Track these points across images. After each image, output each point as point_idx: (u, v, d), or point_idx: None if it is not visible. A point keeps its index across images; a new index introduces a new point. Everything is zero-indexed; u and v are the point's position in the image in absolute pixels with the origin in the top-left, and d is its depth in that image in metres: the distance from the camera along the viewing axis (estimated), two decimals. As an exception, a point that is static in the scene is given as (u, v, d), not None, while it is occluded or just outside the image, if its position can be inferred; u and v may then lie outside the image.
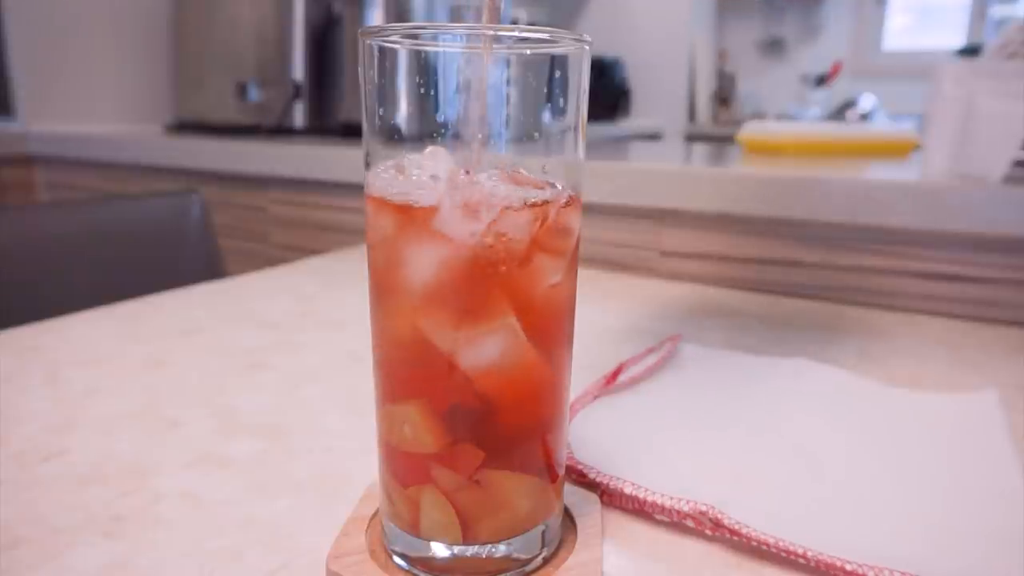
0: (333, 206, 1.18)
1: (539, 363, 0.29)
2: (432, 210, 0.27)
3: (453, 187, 0.27)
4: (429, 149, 0.28)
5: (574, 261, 0.30)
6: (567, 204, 0.29)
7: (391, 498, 0.31)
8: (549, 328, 0.29)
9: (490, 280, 0.27)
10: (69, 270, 0.90)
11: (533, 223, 0.27)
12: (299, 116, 1.47)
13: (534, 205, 0.27)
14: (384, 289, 0.29)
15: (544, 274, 0.28)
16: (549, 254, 0.28)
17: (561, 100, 0.28)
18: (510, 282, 0.27)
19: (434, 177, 0.27)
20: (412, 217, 0.27)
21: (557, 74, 0.27)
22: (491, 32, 0.26)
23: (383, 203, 0.28)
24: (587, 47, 0.28)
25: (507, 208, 0.27)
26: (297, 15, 1.43)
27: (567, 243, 0.29)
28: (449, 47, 0.27)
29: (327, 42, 1.46)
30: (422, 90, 0.27)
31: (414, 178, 0.27)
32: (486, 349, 0.28)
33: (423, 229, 0.27)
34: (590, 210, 0.89)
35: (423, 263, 0.27)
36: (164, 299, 0.74)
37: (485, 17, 0.28)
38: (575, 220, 0.30)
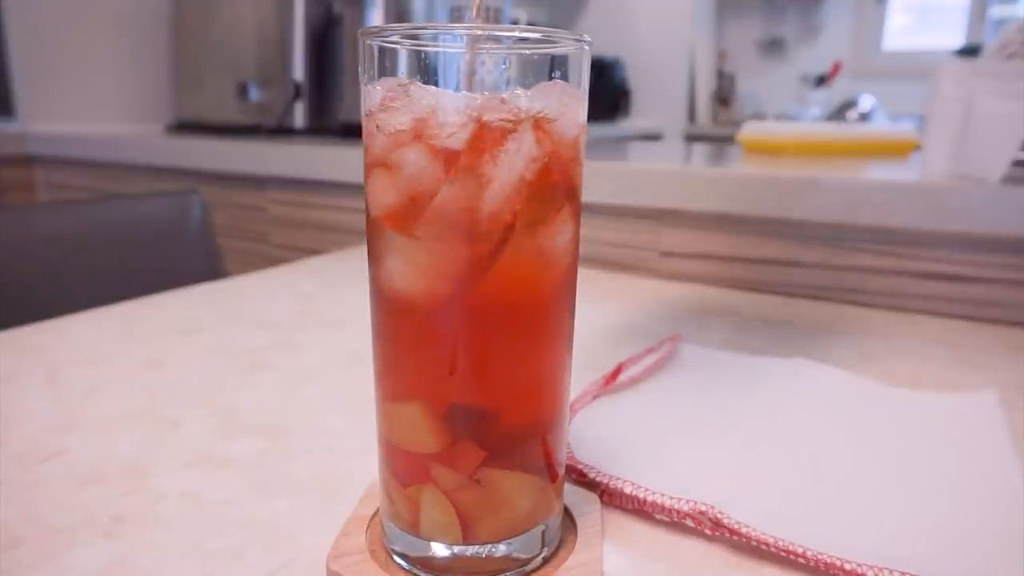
0: (333, 206, 1.18)
1: (574, 267, 0.32)
2: (544, 117, 0.27)
3: (553, 88, 0.28)
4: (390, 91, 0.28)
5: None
6: None
7: (391, 498, 0.31)
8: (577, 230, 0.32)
9: (560, 177, 0.29)
10: (69, 270, 0.90)
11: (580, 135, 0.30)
12: (299, 116, 1.47)
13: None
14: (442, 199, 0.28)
15: (580, 183, 0.31)
16: (581, 167, 0.31)
17: (561, 100, 0.28)
18: (571, 181, 0.30)
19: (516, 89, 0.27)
20: (520, 119, 0.27)
21: (557, 74, 0.27)
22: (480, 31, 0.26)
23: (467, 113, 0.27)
24: (587, 47, 0.28)
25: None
26: (297, 15, 1.43)
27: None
28: (449, 47, 0.27)
29: (327, 42, 1.46)
30: (422, 90, 0.27)
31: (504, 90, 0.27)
32: (554, 234, 0.29)
33: (530, 129, 0.27)
34: (590, 210, 0.89)
35: (519, 163, 0.27)
36: (164, 299, 0.74)
37: (473, 13, 0.28)
38: None
